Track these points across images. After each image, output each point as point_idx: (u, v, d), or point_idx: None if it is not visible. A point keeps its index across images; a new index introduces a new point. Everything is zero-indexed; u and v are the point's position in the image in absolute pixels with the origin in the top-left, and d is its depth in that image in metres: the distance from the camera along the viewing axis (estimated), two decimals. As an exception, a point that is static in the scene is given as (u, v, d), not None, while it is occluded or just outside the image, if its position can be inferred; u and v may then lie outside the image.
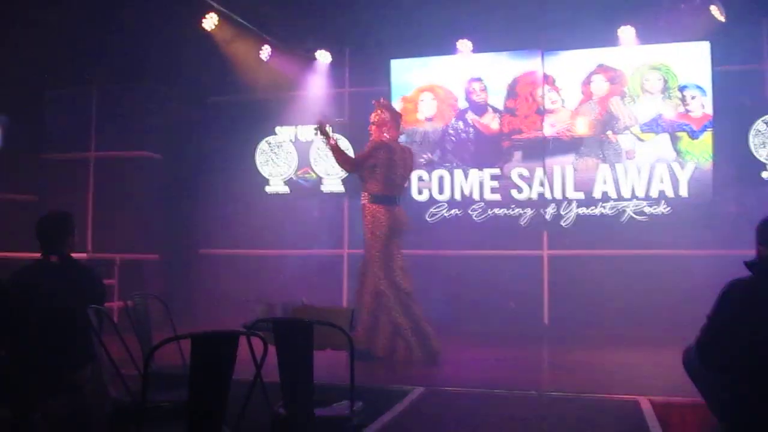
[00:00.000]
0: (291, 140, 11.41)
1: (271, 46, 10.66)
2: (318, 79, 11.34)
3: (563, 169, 10.29)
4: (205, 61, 10.37)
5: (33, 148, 11.14)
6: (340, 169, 8.55)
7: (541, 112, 10.44)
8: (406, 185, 8.26)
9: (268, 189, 11.46)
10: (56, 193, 10.88)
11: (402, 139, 8.29)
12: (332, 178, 11.17)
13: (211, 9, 9.34)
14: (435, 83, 10.97)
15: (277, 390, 3.80)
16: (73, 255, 4.78)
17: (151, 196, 11.17)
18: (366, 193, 7.68)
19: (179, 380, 4.43)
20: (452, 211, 10.64)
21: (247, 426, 3.36)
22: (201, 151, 11.83)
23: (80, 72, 10.63)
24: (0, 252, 9.44)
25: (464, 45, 10.61)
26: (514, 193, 10.43)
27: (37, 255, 4.64)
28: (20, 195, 10.77)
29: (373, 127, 7.79)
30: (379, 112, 7.81)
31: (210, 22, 9.50)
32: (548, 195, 10.28)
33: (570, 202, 10.20)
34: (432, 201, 10.75)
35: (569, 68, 10.40)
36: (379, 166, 7.51)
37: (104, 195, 11.07)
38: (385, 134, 7.71)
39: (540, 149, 10.38)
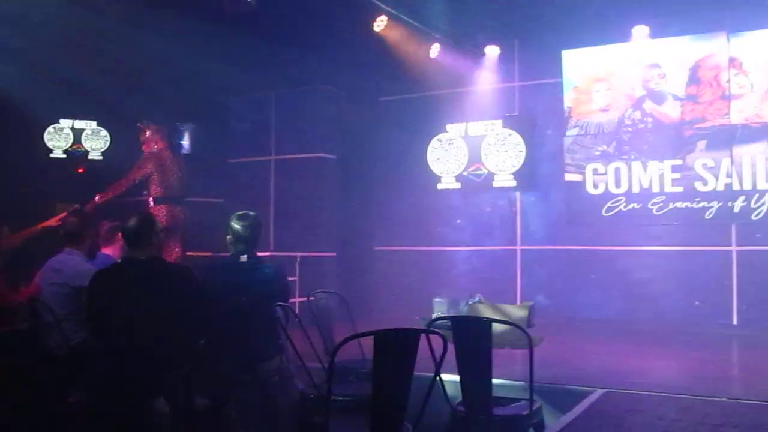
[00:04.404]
0: (461, 136, 11.42)
1: (440, 44, 10.72)
2: (487, 73, 11.27)
3: (753, 158, 9.58)
4: (377, 62, 10.60)
5: (219, 154, 11.88)
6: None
7: (727, 98, 9.78)
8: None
9: (439, 186, 11.54)
10: (241, 195, 11.53)
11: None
12: (504, 174, 11.06)
13: (381, 12, 9.53)
14: (609, 72, 10.58)
15: (456, 387, 3.82)
16: (258, 254, 5.04)
17: (327, 195, 11.58)
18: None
19: (359, 375, 4.57)
20: (630, 205, 10.22)
21: (427, 422, 3.40)
22: (374, 150, 12.12)
23: (260, 79, 11.21)
24: (193, 251, 10.15)
25: (640, 31, 10.14)
26: (698, 185, 9.85)
27: (227, 254, 4.93)
28: (209, 198, 11.51)
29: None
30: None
31: (380, 23, 9.69)
32: (736, 186, 9.61)
33: (762, 193, 9.48)
34: (608, 194, 10.38)
35: (758, 49, 9.66)
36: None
37: (284, 196, 11.62)
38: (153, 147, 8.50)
39: (726, 137, 9.73)
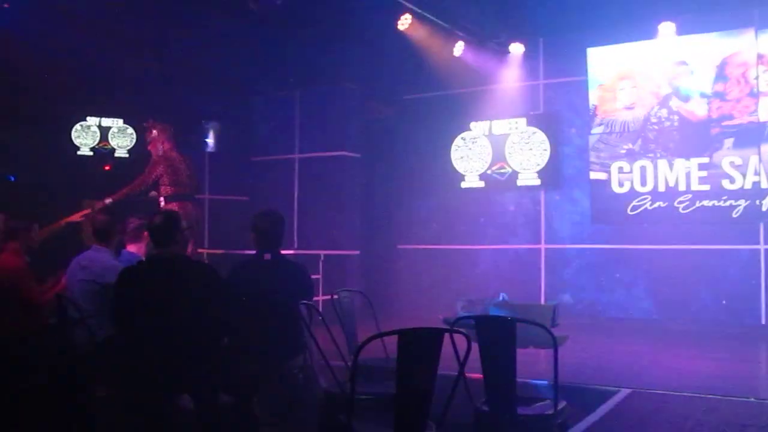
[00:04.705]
0: (485, 134, 11.38)
1: (464, 42, 10.69)
2: (511, 71, 11.22)
3: (782, 156, 9.46)
4: (400, 60, 10.60)
5: (244, 152, 11.95)
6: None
7: (755, 95, 9.65)
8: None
9: (463, 184, 11.51)
10: (265, 194, 11.61)
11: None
12: (528, 172, 11.00)
13: (405, 10, 9.52)
14: (635, 70, 10.48)
15: (480, 386, 3.81)
16: (282, 252, 5.07)
17: (351, 193, 11.60)
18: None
19: (382, 373, 4.57)
20: (656, 204, 10.13)
21: (450, 421, 3.39)
22: (398, 149, 12.12)
23: (284, 77, 11.27)
24: (217, 249, 10.24)
25: (667, 27, 10.03)
26: (725, 183, 9.73)
27: (252, 252, 4.97)
28: (234, 196, 11.59)
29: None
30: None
31: (404, 22, 9.68)
32: (765, 184, 9.47)
33: (791, 192, 9.36)
34: (634, 193, 10.29)
35: (787, 46, 9.54)
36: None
37: (307, 194, 11.66)
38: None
39: (754, 135, 9.59)
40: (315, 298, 8.84)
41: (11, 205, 8.11)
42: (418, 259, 11.80)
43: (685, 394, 5.70)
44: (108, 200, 8.13)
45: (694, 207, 9.89)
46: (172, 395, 4.42)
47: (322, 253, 10.41)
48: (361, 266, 11.42)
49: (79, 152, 9.90)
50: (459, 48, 10.67)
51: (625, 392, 5.59)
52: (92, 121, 9.95)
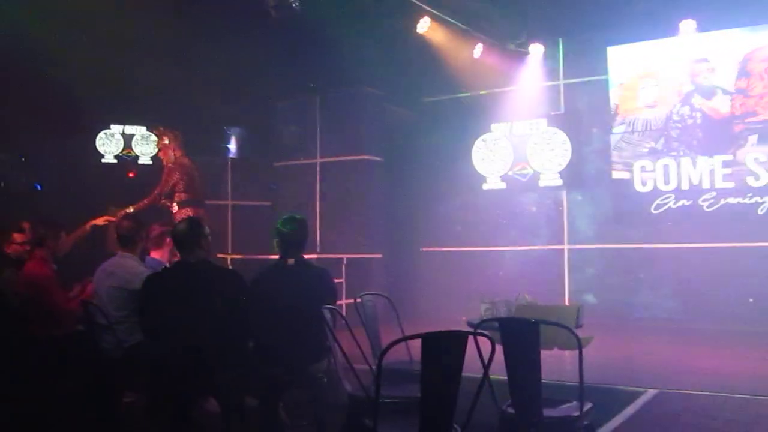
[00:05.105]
0: (506, 136, 11.36)
1: (484, 44, 10.68)
2: (531, 72, 11.20)
3: (807, 152, 9.35)
4: (420, 63, 10.61)
5: (266, 157, 12.02)
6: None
7: (779, 91, 9.56)
8: None
9: (485, 186, 11.50)
10: (288, 198, 11.67)
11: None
12: (550, 173, 10.97)
13: (424, 13, 9.53)
14: (656, 68, 10.42)
15: (504, 388, 3.81)
16: (305, 256, 5.09)
17: (373, 197, 11.62)
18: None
19: (407, 376, 4.58)
20: (680, 202, 10.05)
21: (475, 424, 3.39)
22: (419, 152, 12.13)
23: (304, 82, 11.32)
24: (241, 254, 10.30)
25: (687, 25, 9.96)
26: (749, 180, 9.64)
27: (275, 257, 4.99)
28: (256, 201, 11.66)
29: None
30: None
31: (423, 25, 9.69)
32: (790, 181, 9.40)
33: (818, 188, 9.25)
34: (657, 192, 10.22)
35: (812, 40, 9.44)
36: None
37: (329, 198, 11.70)
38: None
39: (779, 131, 9.51)
40: (338, 302, 8.88)
41: (38, 212, 8.25)
42: (440, 261, 11.80)
43: (713, 393, 5.65)
44: (130, 209, 8.25)
45: (718, 205, 9.80)
46: (198, 399, 4.47)
47: (344, 256, 10.44)
48: (384, 269, 11.43)
49: (103, 160, 10.02)
50: (478, 50, 10.66)
51: (651, 393, 5.56)
52: (116, 129, 10.07)
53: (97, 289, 5.18)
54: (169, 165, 8.69)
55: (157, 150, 8.92)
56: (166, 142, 8.78)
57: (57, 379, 5.29)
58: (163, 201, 8.62)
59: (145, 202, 8.46)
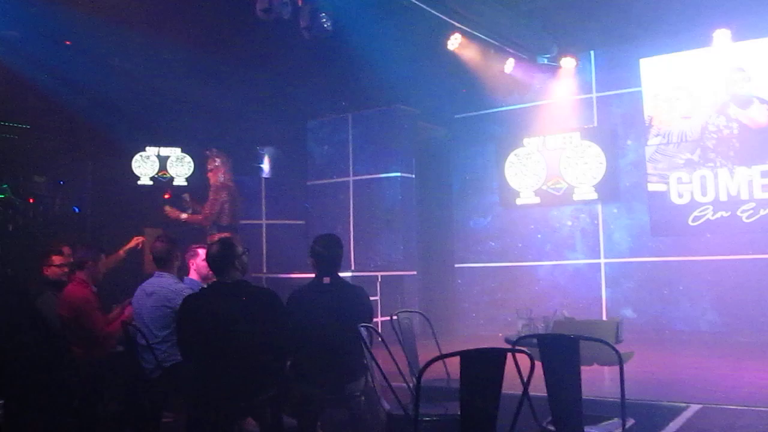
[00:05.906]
0: (539, 150, 11.30)
1: (515, 59, 10.66)
2: (563, 86, 11.15)
3: None
4: (451, 80, 10.62)
5: (299, 176, 12.09)
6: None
7: (819, 99, 9.40)
8: None
9: (518, 201, 11.44)
10: (321, 217, 11.71)
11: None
12: (584, 186, 10.88)
13: (455, 30, 9.55)
14: (690, 78, 10.31)
15: (544, 405, 3.76)
16: (340, 274, 5.10)
17: (406, 213, 11.60)
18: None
19: (445, 394, 4.55)
20: (718, 214, 9.90)
21: (516, 441, 3.36)
22: (452, 168, 12.12)
23: (336, 101, 11.39)
24: (275, 273, 10.35)
25: (722, 34, 9.83)
26: (789, 190, 9.48)
27: (310, 275, 5.01)
28: (290, 220, 11.72)
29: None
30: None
31: (454, 41, 9.71)
32: (832, 190, 9.21)
33: None
34: (694, 204, 10.08)
35: None
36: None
37: (363, 216, 11.71)
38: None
39: (819, 140, 9.34)
40: (374, 320, 8.87)
41: (76, 235, 8.38)
42: (476, 277, 11.75)
43: (758, 408, 5.53)
44: (183, 216, 8.71)
45: (758, 216, 9.64)
46: (236, 419, 4.47)
47: (379, 274, 10.43)
48: (419, 286, 11.39)
49: (139, 182, 10.14)
50: (510, 65, 10.65)
51: (695, 408, 5.45)
52: (151, 151, 10.19)
53: (137, 309, 5.23)
54: (217, 185, 8.81)
55: (207, 170, 9.06)
56: (217, 163, 8.91)
57: (97, 400, 5.35)
58: (207, 224, 8.75)
59: (200, 218, 8.74)
